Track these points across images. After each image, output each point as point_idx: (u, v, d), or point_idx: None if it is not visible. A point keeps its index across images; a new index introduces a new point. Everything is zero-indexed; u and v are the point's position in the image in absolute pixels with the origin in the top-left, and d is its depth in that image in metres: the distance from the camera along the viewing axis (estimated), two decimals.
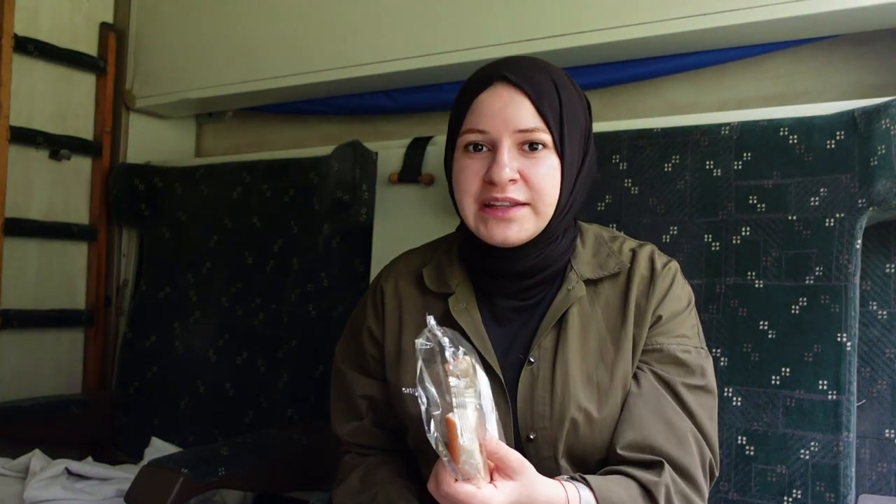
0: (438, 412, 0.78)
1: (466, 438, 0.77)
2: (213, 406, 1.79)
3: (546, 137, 0.92)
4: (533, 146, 0.93)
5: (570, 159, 0.94)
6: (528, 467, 0.81)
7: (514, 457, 0.80)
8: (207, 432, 1.77)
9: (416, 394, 0.79)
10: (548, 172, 0.93)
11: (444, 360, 0.79)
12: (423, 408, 0.78)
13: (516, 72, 0.93)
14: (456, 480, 0.79)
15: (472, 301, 1.01)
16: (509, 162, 0.91)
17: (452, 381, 0.79)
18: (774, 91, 1.52)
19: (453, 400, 0.78)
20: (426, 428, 0.78)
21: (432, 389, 0.78)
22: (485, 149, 0.94)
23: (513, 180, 0.92)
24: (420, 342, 0.80)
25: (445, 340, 0.79)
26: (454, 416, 0.77)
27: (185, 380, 1.84)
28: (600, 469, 0.95)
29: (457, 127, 0.97)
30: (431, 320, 0.81)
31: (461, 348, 0.80)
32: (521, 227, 0.93)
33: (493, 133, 0.92)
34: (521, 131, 0.92)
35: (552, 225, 0.96)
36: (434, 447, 0.78)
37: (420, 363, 0.79)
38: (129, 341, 1.95)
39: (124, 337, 1.97)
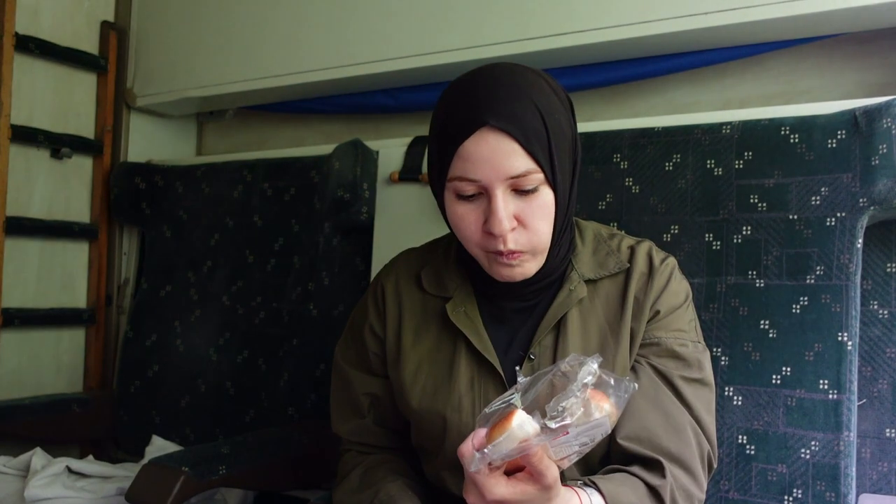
0: (517, 403, 0.77)
1: (507, 438, 0.75)
2: (214, 404, 1.79)
3: (538, 177, 0.89)
4: (526, 189, 0.90)
5: (563, 187, 0.92)
6: (558, 486, 0.80)
7: (552, 474, 0.78)
8: (208, 431, 1.78)
9: (520, 378, 0.78)
10: (543, 211, 0.91)
11: (571, 384, 0.77)
12: (511, 391, 0.78)
13: (499, 114, 0.87)
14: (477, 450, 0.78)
15: (471, 303, 1.01)
16: (505, 208, 0.89)
17: (560, 406, 0.76)
18: (776, 90, 1.52)
19: (547, 415, 0.76)
20: (489, 404, 0.78)
21: (537, 392, 0.77)
22: (476, 193, 0.91)
23: (512, 228, 0.90)
24: (569, 358, 0.79)
25: (576, 385, 0.77)
26: (517, 419, 0.75)
27: (185, 378, 1.84)
28: (603, 463, 0.96)
29: (443, 168, 0.92)
30: (597, 359, 0.79)
31: (605, 394, 0.78)
32: (524, 270, 0.93)
33: (485, 181, 0.88)
34: (512, 178, 0.88)
35: (551, 249, 0.95)
36: (479, 417, 0.79)
37: (555, 368, 0.79)
38: (129, 340, 1.95)
39: (125, 335, 1.97)
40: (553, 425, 0.75)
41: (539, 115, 0.89)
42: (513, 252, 0.91)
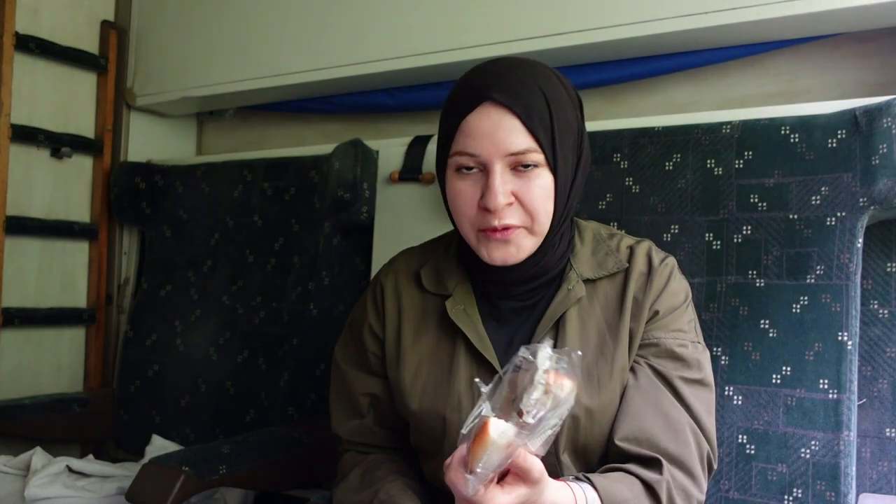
0: (492, 415, 0.76)
1: (490, 455, 0.75)
2: (214, 404, 1.79)
3: (538, 157, 0.90)
4: (525, 165, 0.91)
5: (564, 173, 0.93)
6: (545, 477, 0.80)
7: (537, 467, 0.78)
8: (208, 430, 1.78)
9: (484, 390, 0.78)
10: (541, 192, 0.91)
11: (534, 375, 0.77)
12: (480, 403, 0.77)
13: (504, 90, 0.90)
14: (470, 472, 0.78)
15: (470, 302, 1.01)
16: (502, 186, 0.90)
17: (525, 409, 0.76)
18: (776, 89, 1.52)
19: (523, 413, 0.76)
20: (466, 422, 0.77)
21: (503, 394, 0.77)
22: (476, 169, 0.92)
23: (508, 203, 0.91)
24: (523, 352, 0.78)
25: (539, 372, 0.77)
26: (494, 428, 0.75)
27: (186, 378, 1.84)
28: (601, 463, 0.95)
29: (446, 145, 0.94)
30: (549, 343, 0.79)
31: (566, 374, 0.78)
32: (518, 248, 0.93)
33: (484, 156, 0.90)
34: (512, 154, 0.90)
35: (549, 237, 0.96)
36: (459, 439, 0.78)
37: (510, 366, 0.78)
38: (130, 339, 1.95)
39: (125, 335, 1.97)
40: (531, 420, 0.76)
41: (544, 99, 0.91)
42: (507, 227, 0.91)
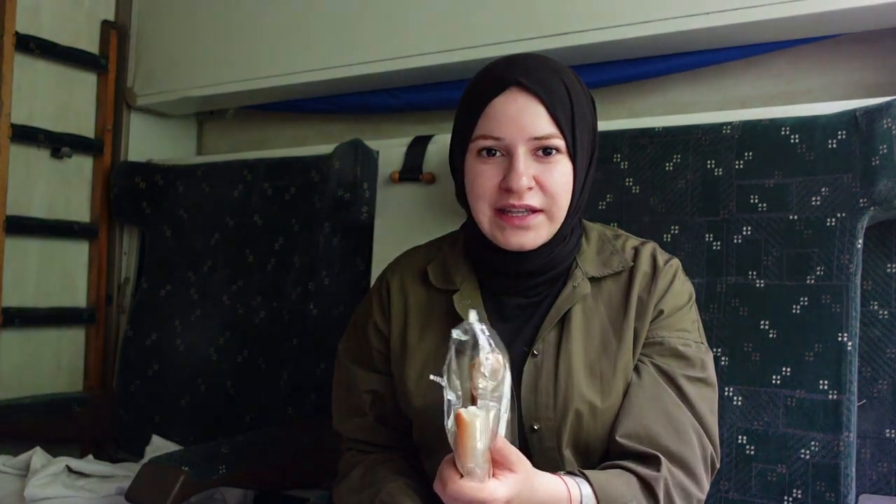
0: (458, 404, 0.78)
1: (479, 440, 0.77)
2: (214, 404, 1.79)
3: (560, 143, 0.93)
4: (547, 151, 0.94)
5: (581, 162, 0.96)
6: (525, 460, 0.82)
7: (513, 450, 0.81)
8: (208, 430, 1.78)
9: (443, 383, 0.79)
10: (562, 178, 0.94)
11: (476, 356, 0.79)
12: (445, 397, 0.78)
13: (530, 76, 0.93)
14: (461, 476, 0.79)
15: (476, 298, 1.02)
16: (526, 169, 0.92)
17: (481, 381, 0.78)
18: (776, 90, 1.51)
19: (477, 398, 0.78)
20: (445, 418, 0.78)
21: (457, 381, 0.79)
22: (498, 153, 0.95)
23: (529, 188, 0.93)
24: (456, 333, 0.80)
25: (483, 338, 0.79)
26: (467, 415, 0.77)
27: (185, 378, 1.84)
28: (604, 461, 0.96)
29: (468, 130, 0.96)
30: (474, 314, 0.81)
31: (496, 348, 0.80)
32: (536, 234, 0.95)
33: (509, 140, 0.93)
34: (536, 138, 0.93)
35: (563, 227, 0.97)
36: (449, 437, 0.79)
37: (451, 353, 0.79)
38: (129, 339, 1.95)
39: (125, 335, 1.97)
40: (487, 385, 0.78)
41: (566, 90, 0.94)
42: (531, 210, 0.93)
